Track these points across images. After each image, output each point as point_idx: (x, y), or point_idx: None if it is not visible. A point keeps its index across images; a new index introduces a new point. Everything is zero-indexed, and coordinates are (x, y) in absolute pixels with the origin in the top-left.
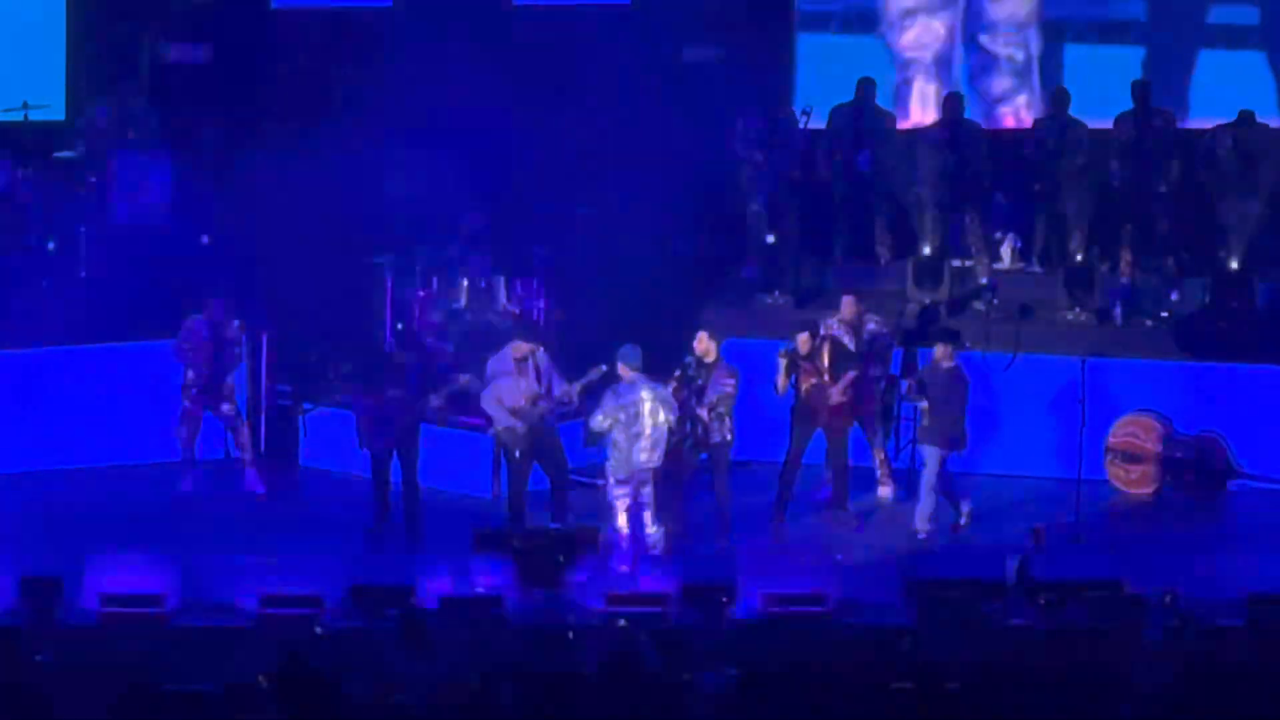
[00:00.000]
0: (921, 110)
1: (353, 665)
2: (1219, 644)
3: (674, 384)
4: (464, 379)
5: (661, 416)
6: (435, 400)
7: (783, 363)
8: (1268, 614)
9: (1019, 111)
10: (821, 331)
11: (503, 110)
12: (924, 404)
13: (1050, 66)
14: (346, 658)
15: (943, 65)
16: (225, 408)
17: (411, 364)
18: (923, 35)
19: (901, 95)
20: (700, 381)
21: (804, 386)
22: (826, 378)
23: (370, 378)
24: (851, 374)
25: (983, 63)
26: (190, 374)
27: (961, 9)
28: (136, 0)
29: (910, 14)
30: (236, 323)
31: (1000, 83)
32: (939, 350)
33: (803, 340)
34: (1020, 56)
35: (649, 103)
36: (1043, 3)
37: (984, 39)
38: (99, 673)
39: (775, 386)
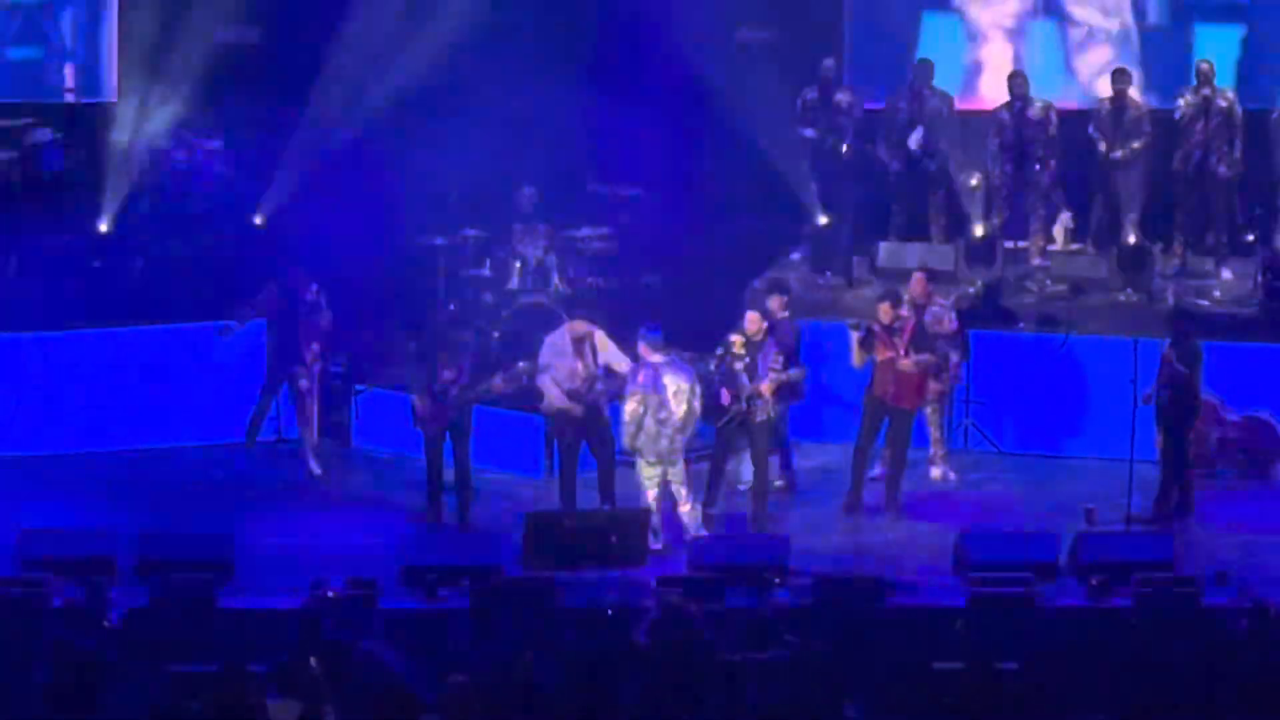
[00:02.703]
0: (996, 86)
1: (407, 645)
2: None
3: (715, 362)
4: (524, 365)
5: (687, 401)
6: (498, 381)
7: (854, 336)
8: None
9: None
10: (904, 310)
11: (556, 91)
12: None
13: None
14: (400, 638)
15: (1020, 37)
16: (303, 383)
17: (465, 345)
18: (1000, 8)
19: (973, 71)
20: (748, 359)
21: (880, 358)
22: (904, 354)
23: (425, 358)
24: (927, 356)
25: (1077, 34)
26: (269, 344)
27: None
28: None
29: None
30: (316, 287)
31: (1098, 53)
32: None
33: (884, 310)
34: (1116, 26)
35: (702, 83)
36: None
37: (1074, 9)
38: (151, 653)
39: (851, 360)
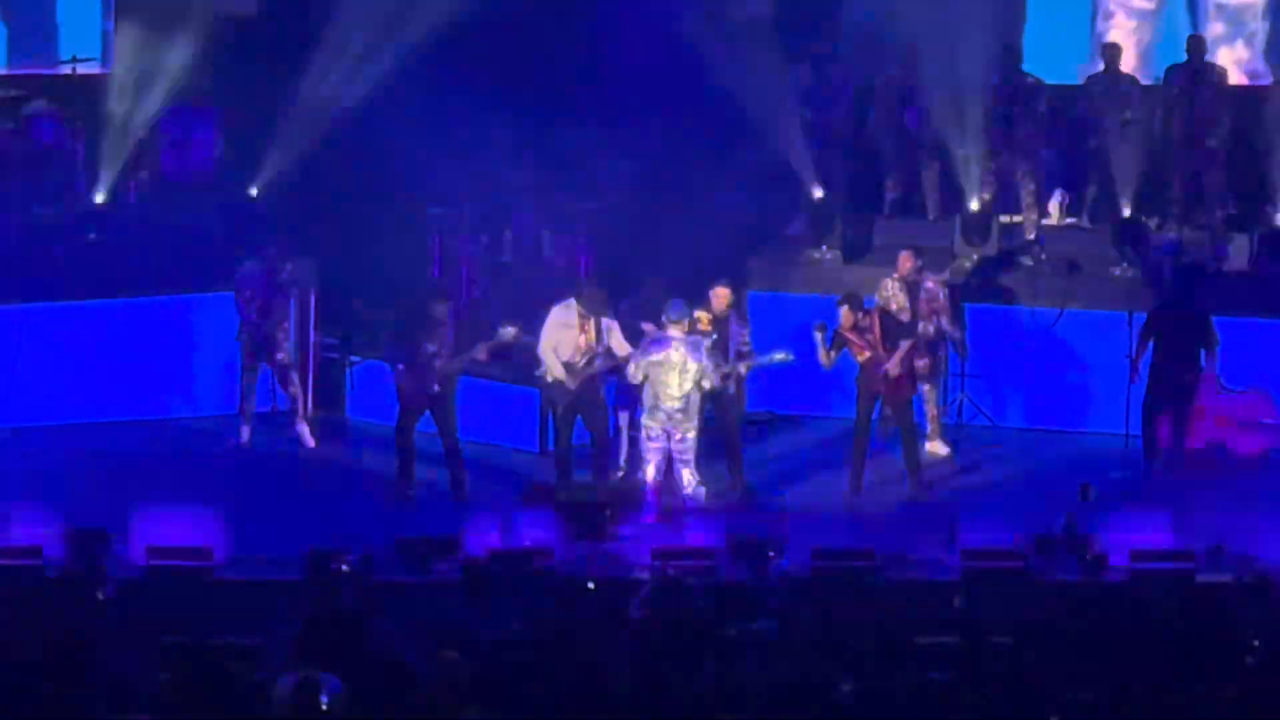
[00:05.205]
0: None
1: (398, 617)
2: (1262, 597)
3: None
4: (508, 331)
5: (694, 379)
6: (478, 353)
7: (818, 336)
8: None
9: (1236, 60)
10: (873, 301)
11: (551, 66)
12: None
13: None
14: (392, 610)
15: (1146, 16)
16: (280, 356)
17: (446, 318)
18: None
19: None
20: (715, 335)
21: (860, 359)
22: (881, 350)
23: (405, 331)
24: (904, 345)
25: (1196, 8)
26: (247, 321)
27: None
28: None
29: None
30: (290, 266)
31: (1210, 29)
32: None
33: (844, 313)
34: (1234, 2)
35: (697, 59)
36: None
37: None
38: (145, 625)
39: (819, 361)
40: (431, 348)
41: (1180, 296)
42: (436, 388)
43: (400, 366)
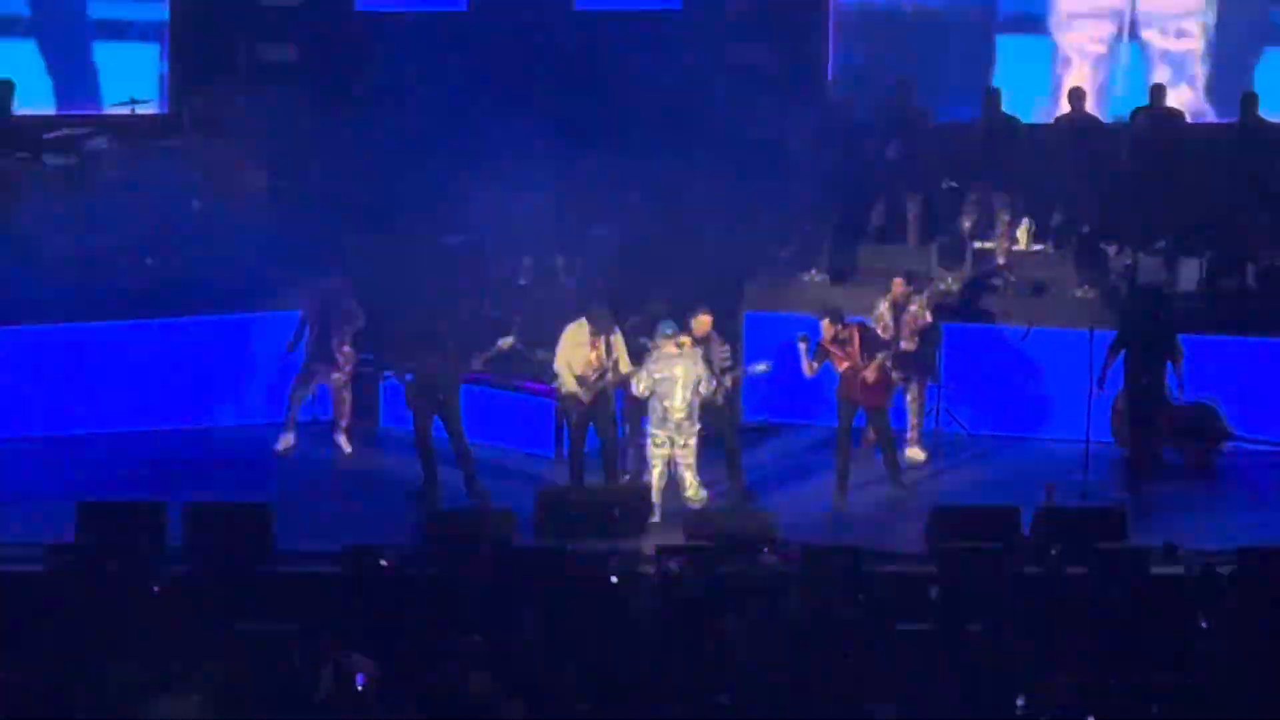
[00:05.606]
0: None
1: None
2: (1213, 590)
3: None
4: (504, 341)
5: (693, 389)
6: (475, 363)
7: (802, 347)
8: (1256, 563)
9: (1180, 101)
10: (850, 318)
11: (567, 108)
12: None
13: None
14: (423, 601)
15: (1100, 61)
16: (335, 375)
17: (447, 332)
18: (1090, 33)
19: (1054, 90)
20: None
21: (839, 369)
22: (859, 361)
23: (411, 346)
24: (880, 356)
25: (1145, 55)
26: (308, 342)
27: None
28: (233, 4)
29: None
30: (353, 299)
31: (1158, 73)
32: None
33: (825, 325)
34: (1178, 49)
35: (701, 100)
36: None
37: (1146, 33)
38: (197, 614)
39: (803, 371)
40: (435, 360)
41: (1140, 316)
42: (442, 396)
43: (409, 378)
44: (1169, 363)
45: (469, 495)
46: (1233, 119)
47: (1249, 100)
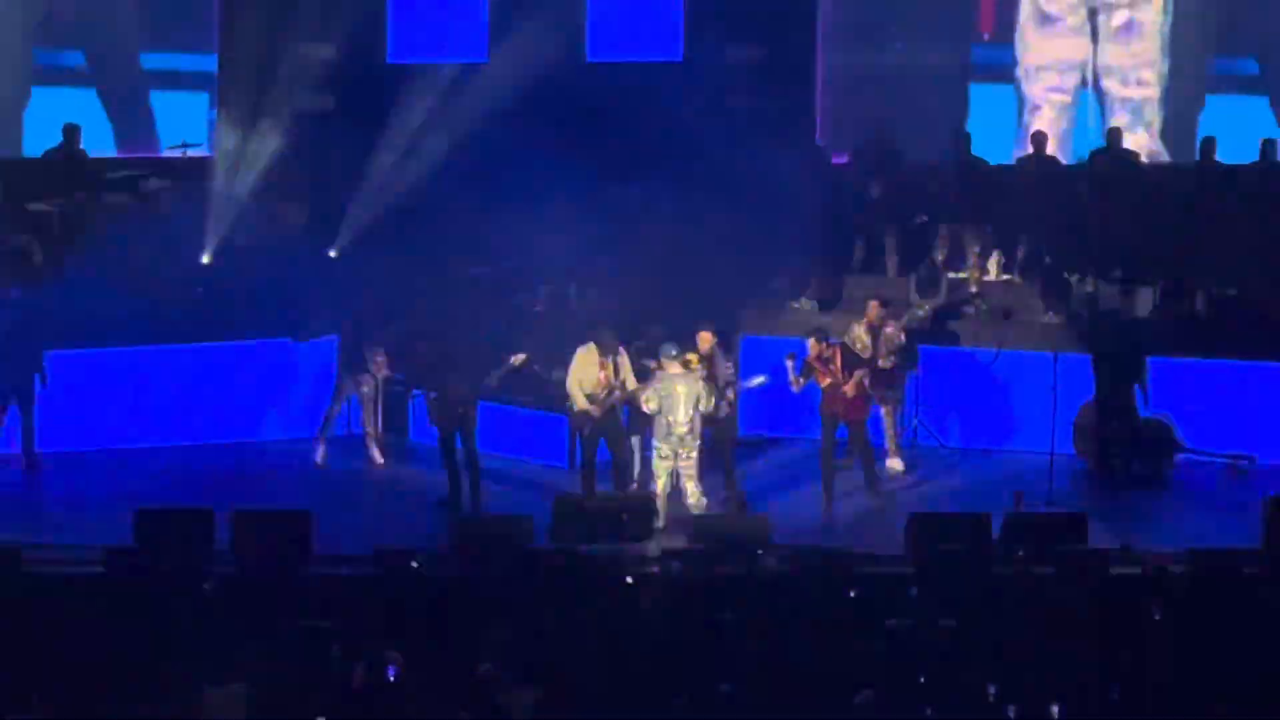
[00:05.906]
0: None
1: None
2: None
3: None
4: (515, 359)
5: (695, 405)
6: (490, 381)
7: (789, 364)
8: (1205, 563)
9: (1137, 144)
10: (833, 339)
11: (578, 147)
12: None
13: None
14: (452, 599)
15: (1064, 109)
16: (365, 390)
17: (464, 353)
18: (1055, 82)
19: (1022, 135)
20: (704, 370)
21: (823, 385)
22: (841, 377)
23: (433, 367)
24: (859, 372)
25: (1105, 102)
26: (340, 359)
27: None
28: (275, 56)
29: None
30: (390, 327)
31: (1117, 119)
32: None
33: (811, 344)
34: (1136, 96)
35: (699, 142)
36: (1164, 51)
37: (1106, 82)
38: (242, 612)
39: (790, 385)
40: (455, 379)
41: (1105, 339)
42: (461, 411)
43: (433, 395)
44: (1135, 383)
45: (470, 498)
46: (1183, 160)
47: (1208, 144)
